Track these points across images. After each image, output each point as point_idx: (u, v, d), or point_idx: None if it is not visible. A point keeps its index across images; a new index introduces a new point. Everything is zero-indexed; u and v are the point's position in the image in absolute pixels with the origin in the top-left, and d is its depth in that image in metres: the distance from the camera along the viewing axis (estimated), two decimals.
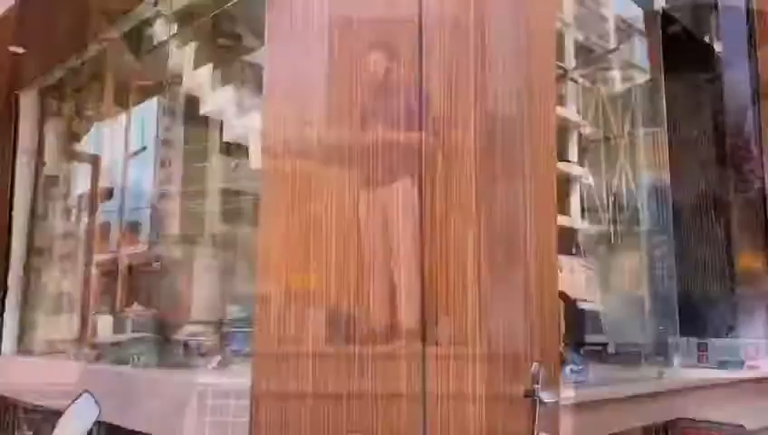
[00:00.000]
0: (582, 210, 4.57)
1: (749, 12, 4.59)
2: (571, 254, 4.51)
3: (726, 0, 4.64)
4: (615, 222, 4.93)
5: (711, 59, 4.63)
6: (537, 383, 2.12)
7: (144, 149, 5.55)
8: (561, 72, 4.41)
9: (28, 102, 6.10)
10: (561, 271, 4.03)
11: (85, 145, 6.24)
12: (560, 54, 4.40)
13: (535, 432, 2.10)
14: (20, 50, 5.00)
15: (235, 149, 4.36)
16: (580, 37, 4.60)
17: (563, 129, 4.56)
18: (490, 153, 2.15)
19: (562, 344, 3.43)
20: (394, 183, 2.28)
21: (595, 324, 4.56)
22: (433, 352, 2.07)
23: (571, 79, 4.61)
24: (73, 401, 2.56)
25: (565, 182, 4.53)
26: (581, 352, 3.90)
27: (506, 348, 2.15)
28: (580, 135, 4.72)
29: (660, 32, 4.47)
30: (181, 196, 5.35)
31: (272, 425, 2.29)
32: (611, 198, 4.71)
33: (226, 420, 2.91)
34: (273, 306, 2.41)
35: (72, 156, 6.30)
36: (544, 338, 2.27)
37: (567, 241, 4.41)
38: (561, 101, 4.53)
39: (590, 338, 4.42)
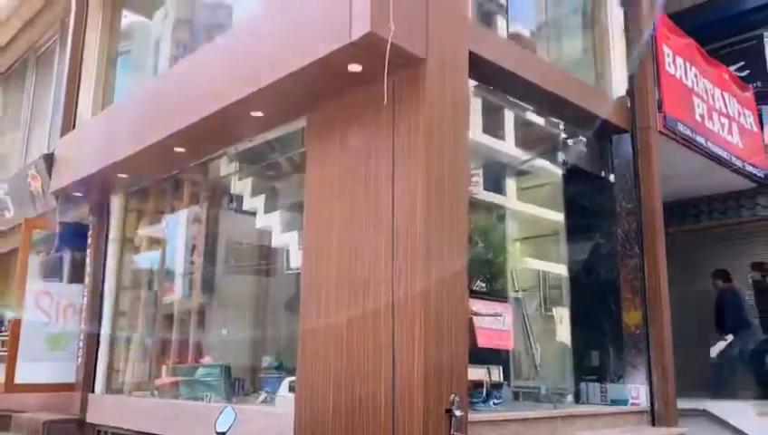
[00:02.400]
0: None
1: (635, 152, 6.62)
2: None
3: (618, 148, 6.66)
4: (544, 299, 6.91)
5: (607, 187, 6.66)
6: (452, 405, 4.06)
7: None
8: None
9: (117, 203, 8.14)
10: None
11: (157, 232, 8.23)
12: None
13: (451, 432, 4.02)
14: (124, 175, 7.06)
15: (278, 252, 6.37)
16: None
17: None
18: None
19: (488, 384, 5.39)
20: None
21: (529, 371, 6.49)
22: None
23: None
24: (221, 411, 4.22)
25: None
26: (508, 389, 5.82)
27: (438, 385, 4.07)
28: None
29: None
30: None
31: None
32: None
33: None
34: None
35: (146, 241, 8.31)
36: (460, 380, 4.20)
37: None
38: None
39: (522, 381, 6.37)
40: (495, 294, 6.34)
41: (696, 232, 9.10)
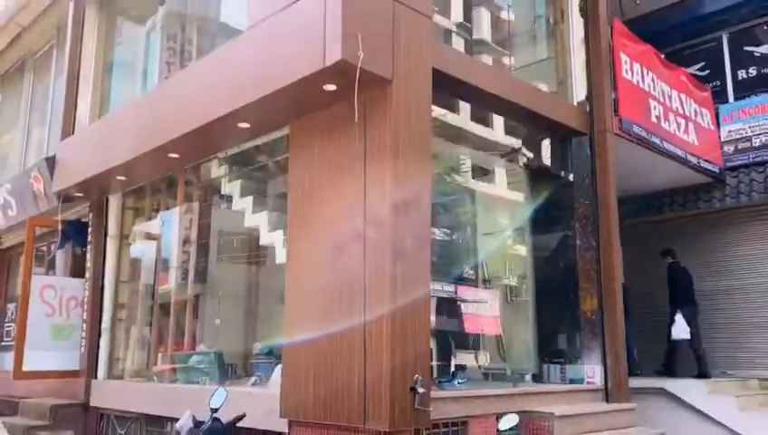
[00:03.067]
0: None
1: (592, 153, 7.22)
2: None
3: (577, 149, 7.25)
4: (510, 289, 7.55)
5: (566, 185, 7.26)
6: (416, 383, 4.66)
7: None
8: None
9: (114, 202, 8.69)
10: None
11: (153, 228, 8.77)
12: None
13: (414, 405, 4.63)
14: (123, 178, 7.61)
15: (265, 248, 6.95)
16: None
17: None
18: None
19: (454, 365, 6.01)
20: None
21: (498, 354, 7.12)
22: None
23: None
24: (214, 391, 4.74)
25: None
26: (479, 370, 6.45)
27: (403, 367, 4.67)
28: None
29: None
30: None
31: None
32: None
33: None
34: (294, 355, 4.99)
35: (142, 237, 8.86)
36: (423, 363, 4.81)
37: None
38: None
39: (492, 363, 7.01)
40: (473, 282, 6.98)
41: (658, 223, 9.74)
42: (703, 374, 8.31)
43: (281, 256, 6.38)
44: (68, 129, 8.61)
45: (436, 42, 5.66)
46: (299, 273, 5.36)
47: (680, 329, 8.38)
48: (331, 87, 4.96)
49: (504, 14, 7.57)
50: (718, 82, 9.95)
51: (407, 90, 4.99)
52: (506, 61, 7.37)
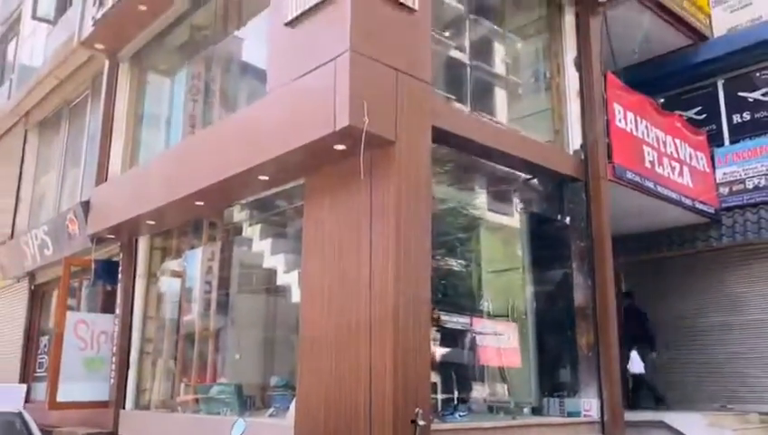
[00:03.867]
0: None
1: (587, 198, 7.71)
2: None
3: (573, 194, 7.75)
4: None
5: (563, 228, 7.75)
6: (417, 416, 5.13)
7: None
8: None
9: (143, 243, 9.34)
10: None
11: (178, 267, 9.39)
12: None
13: None
14: (152, 222, 8.25)
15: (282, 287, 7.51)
16: None
17: None
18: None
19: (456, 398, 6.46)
20: None
21: (502, 387, 7.55)
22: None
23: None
24: (234, 423, 5.23)
25: None
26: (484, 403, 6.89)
27: (405, 400, 5.15)
28: None
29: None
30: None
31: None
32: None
33: None
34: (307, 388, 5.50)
35: (168, 275, 9.48)
36: (425, 396, 5.28)
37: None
38: None
39: (496, 396, 7.43)
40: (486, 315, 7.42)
41: (658, 261, 10.15)
42: (659, 401, 9.01)
43: (295, 296, 6.93)
44: (102, 175, 9.31)
45: (436, 98, 6.25)
46: (311, 311, 5.90)
47: (635, 364, 8.87)
48: (341, 147, 5.55)
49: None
50: (714, 126, 10.41)
51: (408, 148, 5.56)
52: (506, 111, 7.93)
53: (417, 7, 5.81)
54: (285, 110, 5.88)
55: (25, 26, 14.56)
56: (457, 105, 6.97)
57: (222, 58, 8.62)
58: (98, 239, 9.16)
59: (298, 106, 5.73)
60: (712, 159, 9.91)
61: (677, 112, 10.48)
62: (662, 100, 10.99)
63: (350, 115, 5.15)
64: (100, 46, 9.49)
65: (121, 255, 9.30)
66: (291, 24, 5.96)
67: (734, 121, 10.28)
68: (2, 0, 16.74)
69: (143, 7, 8.46)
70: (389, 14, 5.65)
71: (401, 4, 5.70)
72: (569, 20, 8.27)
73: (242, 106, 8.15)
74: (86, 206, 9.18)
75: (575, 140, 7.91)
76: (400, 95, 5.57)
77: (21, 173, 13.20)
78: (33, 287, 12.69)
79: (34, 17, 12.91)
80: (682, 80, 10.64)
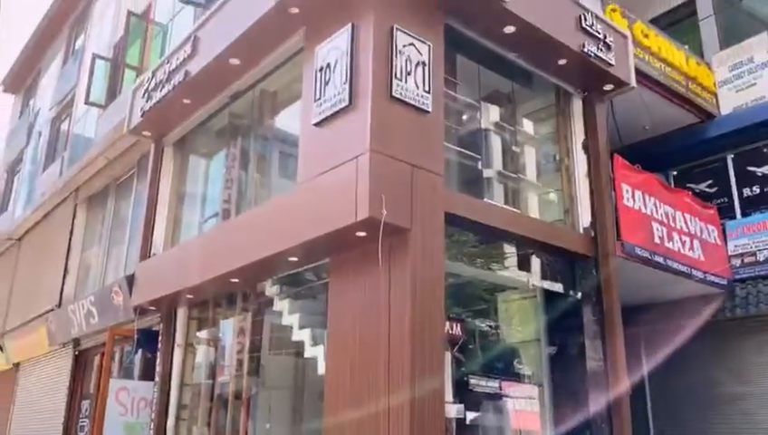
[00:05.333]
0: None
1: (598, 274, 8.15)
2: None
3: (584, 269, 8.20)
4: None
5: (576, 302, 8.17)
6: None
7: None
8: None
9: (181, 313, 10.00)
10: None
11: (213, 337, 10.00)
12: None
13: None
14: (191, 296, 8.92)
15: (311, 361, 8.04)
16: None
17: None
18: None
19: None
20: None
21: None
22: None
23: None
24: None
25: None
26: None
27: None
28: None
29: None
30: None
31: None
32: None
33: None
34: None
35: (205, 344, 10.08)
36: None
37: None
38: None
39: None
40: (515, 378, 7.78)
41: (674, 331, 10.40)
42: None
43: (321, 368, 7.43)
44: (146, 250, 10.07)
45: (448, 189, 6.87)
46: (335, 382, 6.40)
47: None
48: (362, 233, 6.17)
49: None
50: (726, 199, 10.83)
51: (422, 233, 6.16)
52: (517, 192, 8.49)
53: (430, 109, 6.52)
54: (313, 200, 6.55)
55: (78, 108, 15.83)
56: (469, 192, 7.57)
57: (257, 143, 9.44)
58: (141, 311, 9.84)
59: (324, 197, 6.40)
60: (723, 231, 10.28)
61: (690, 185, 10.98)
62: (675, 173, 11.54)
63: (370, 208, 5.79)
64: (147, 133, 10.42)
65: (161, 325, 9.95)
66: (318, 124, 6.71)
67: (745, 195, 10.69)
68: (57, 84, 18.20)
69: (187, 100, 9.37)
70: (405, 116, 6.36)
71: (416, 107, 6.42)
72: (577, 106, 8.91)
73: (273, 184, 8.97)
74: (131, 279, 9.92)
75: (585, 218, 8.41)
76: (415, 187, 6.21)
77: (69, 245, 14.13)
78: (76, 353, 13.42)
79: (87, 102, 14.09)
80: (692, 155, 11.16)
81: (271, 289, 8.44)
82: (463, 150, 7.78)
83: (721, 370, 9.93)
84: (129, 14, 13.30)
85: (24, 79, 22.92)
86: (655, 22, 11.80)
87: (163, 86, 9.52)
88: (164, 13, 12.72)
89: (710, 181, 11.11)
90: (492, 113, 8.27)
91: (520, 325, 8.64)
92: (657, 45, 10.23)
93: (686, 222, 9.64)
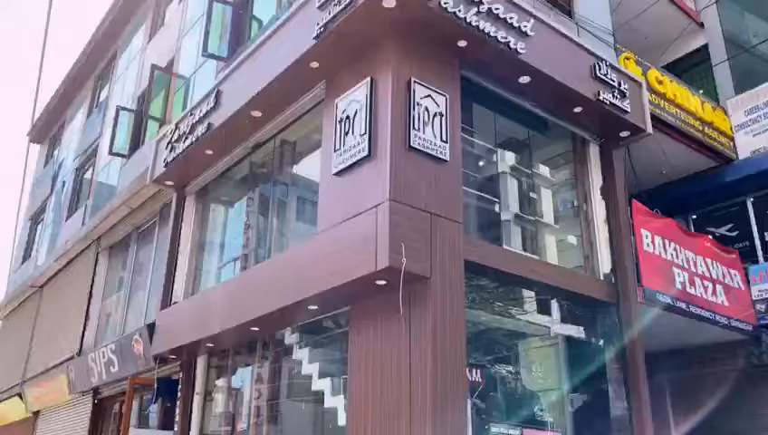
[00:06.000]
0: None
1: (620, 320, 8.07)
2: None
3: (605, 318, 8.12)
4: None
5: (599, 350, 8.07)
6: None
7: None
8: None
9: (201, 362, 10.01)
10: None
11: (232, 385, 9.96)
12: None
13: None
14: (211, 344, 8.94)
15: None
16: None
17: None
18: None
19: None
20: None
21: None
22: None
23: None
24: None
25: None
26: None
27: None
28: None
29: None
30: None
31: None
32: None
33: None
34: None
35: (224, 392, 10.05)
36: None
37: None
38: None
39: None
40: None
41: (700, 377, 10.21)
42: None
43: (341, 419, 7.38)
44: (167, 299, 10.15)
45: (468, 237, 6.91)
46: (355, 430, 6.34)
47: None
48: (382, 282, 6.20)
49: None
50: (747, 243, 10.74)
51: (442, 282, 6.18)
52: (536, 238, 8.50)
53: (447, 158, 6.61)
54: (333, 249, 6.61)
55: (101, 159, 16.18)
56: (487, 236, 7.60)
57: (277, 189, 9.58)
58: (161, 360, 9.87)
59: (344, 246, 6.46)
60: (746, 276, 10.15)
61: (710, 229, 10.91)
62: (694, 217, 11.48)
63: (390, 257, 5.83)
64: (169, 183, 10.62)
65: (181, 374, 9.95)
66: (339, 174, 6.82)
67: (767, 238, 10.58)
68: (82, 135, 18.66)
69: (210, 151, 9.57)
70: (424, 166, 6.46)
71: (434, 156, 6.51)
72: (594, 152, 8.97)
73: (293, 233, 9.05)
74: (151, 328, 9.98)
75: (605, 264, 8.38)
76: (434, 235, 6.26)
77: (91, 293, 14.27)
78: (95, 401, 13.40)
79: (111, 153, 14.41)
80: (712, 198, 11.13)
81: (290, 337, 8.45)
82: (481, 194, 7.83)
83: (749, 418, 9.68)
84: (153, 67, 13.69)
85: (49, 129, 23.54)
86: (669, 68, 11.94)
87: (186, 138, 9.74)
88: (187, 66, 13.09)
89: (731, 225, 11.04)
90: (508, 158, 8.37)
91: (541, 371, 8.53)
92: (672, 91, 10.32)
93: (707, 267, 9.55)
